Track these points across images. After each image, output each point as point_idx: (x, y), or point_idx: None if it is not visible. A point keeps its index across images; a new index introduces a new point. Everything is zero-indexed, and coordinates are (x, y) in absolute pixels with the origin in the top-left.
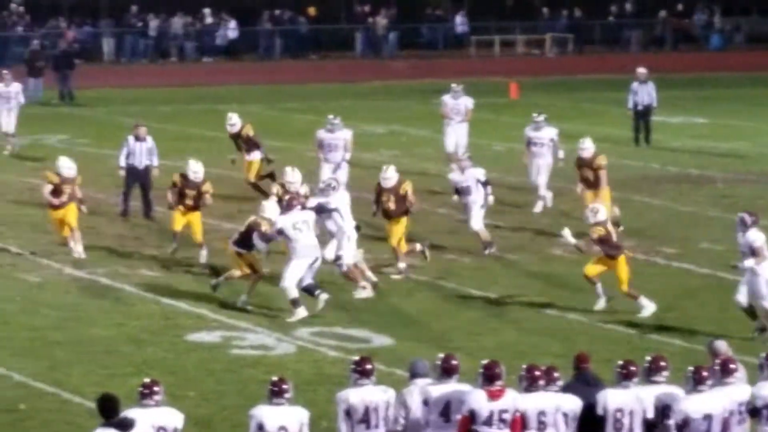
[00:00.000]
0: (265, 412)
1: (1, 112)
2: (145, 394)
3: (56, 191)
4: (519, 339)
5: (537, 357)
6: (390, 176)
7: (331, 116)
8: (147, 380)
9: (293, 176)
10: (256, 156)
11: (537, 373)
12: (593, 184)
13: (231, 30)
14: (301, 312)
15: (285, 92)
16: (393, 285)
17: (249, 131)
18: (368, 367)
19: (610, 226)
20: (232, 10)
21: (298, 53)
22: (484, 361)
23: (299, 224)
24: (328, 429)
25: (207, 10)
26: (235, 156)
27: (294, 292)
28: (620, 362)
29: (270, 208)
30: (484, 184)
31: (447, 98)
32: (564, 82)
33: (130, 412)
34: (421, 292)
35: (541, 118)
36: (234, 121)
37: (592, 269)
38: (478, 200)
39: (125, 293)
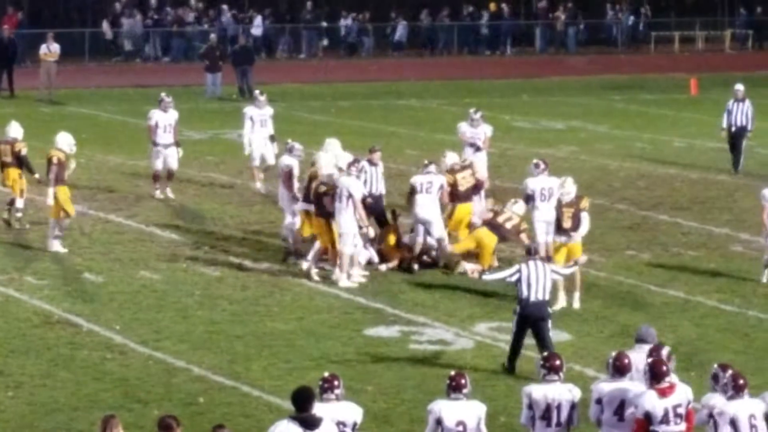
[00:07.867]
0: (444, 407)
1: (159, 151)
2: (325, 389)
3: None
4: (699, 335)
5: (716, 353)
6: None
7: (472, 110)
8: (327, 375)
9: None
10: None
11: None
12: None
13: (401, 25)
14: None
15: (464, 88)
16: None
17: None
18: (557, 363)
19: None
20: (412, 6)
21: (477, 49)
22: (649, 360)
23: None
24: (505, 424)
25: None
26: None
27: None
28: None
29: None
30: None
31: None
32: (743, 78)
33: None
34: (599, 288)
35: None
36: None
37: None
38: None
39: (305, 288)
